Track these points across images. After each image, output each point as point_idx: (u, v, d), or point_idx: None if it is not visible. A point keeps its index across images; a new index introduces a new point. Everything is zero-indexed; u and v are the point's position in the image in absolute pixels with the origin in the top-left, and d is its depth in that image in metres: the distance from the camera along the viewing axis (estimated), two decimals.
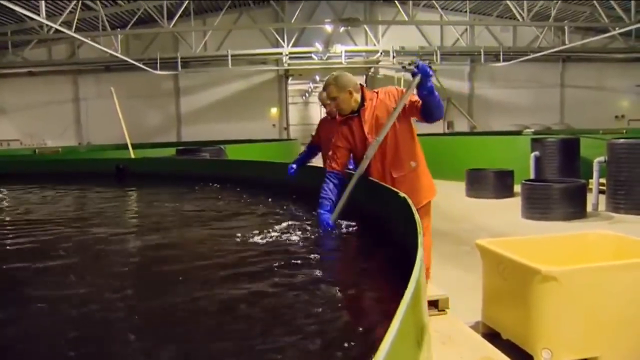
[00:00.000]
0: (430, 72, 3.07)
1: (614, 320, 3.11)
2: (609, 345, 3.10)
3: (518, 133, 16.37)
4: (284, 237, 3.01)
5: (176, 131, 22.07)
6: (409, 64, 19.23)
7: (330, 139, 3.57)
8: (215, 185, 5.47)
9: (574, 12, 18.69)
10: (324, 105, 4.34)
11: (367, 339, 1.48)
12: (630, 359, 3.16)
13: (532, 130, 17.08)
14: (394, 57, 19.74)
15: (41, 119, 21.02)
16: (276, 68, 21.57)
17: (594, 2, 16.20)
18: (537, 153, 10.53)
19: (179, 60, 19.52)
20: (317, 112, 26.72)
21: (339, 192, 3.25)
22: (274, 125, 22.18)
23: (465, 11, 19.52)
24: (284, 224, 3.30)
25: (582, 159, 10.44)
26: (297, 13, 19.37)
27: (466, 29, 21.41)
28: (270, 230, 3.15)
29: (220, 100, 21.78)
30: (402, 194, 2.32)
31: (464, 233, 7.30)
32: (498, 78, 21.76)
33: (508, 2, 16.58)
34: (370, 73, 21.92)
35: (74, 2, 14.60)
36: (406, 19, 17.81)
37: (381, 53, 20.14)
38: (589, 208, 8.44)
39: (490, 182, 10.49)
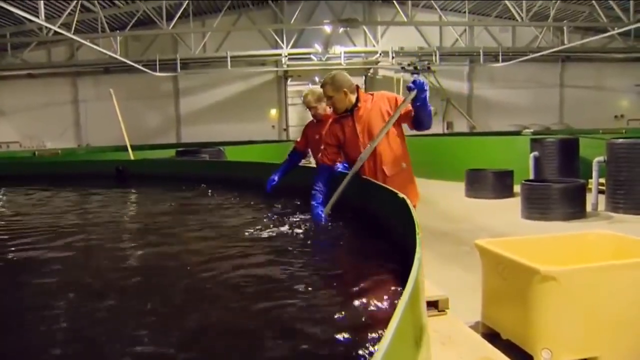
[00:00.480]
0: (426, 87, 3.18)
1: (613, 320, 3.11)
2: (608, 345, 3.10)
3: (517, 133, 16.37)
4: (277, 230, 3.13)
5: (175, 132, 22.07)
6: (408, 65, 19.28)
7: (318, 141, 3.72)
8: (203, 185, 5.54)
9: (573, 12, 18.71)
10: (309, 108, 4.38)
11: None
12: (630, 359, 3.16)
13: (532, 130, 17.08)
14: (393, 57, 19.75)
15: (40, 121, 21.01)
16: (275, 69, 21.58)
17: (593, 2, 16.21)
18: (536, 153, 10.53)
19: (178, 61, 19.52)
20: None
21: (329, 184, 3.44)
22: (273, 126, 22.18)
23: (464, 12, 19.53)
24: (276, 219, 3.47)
25: (581, 159, 10.44)
26: (296, 14, 19.38)
27: (465, 30, 21.43)
28: (267, 225, 3.27)
29: (219, 101, 21.78)
30: (401, 195, 2.32)
31: (463, 233, 7.30)
32: (497, 78, 21.76)
33: (507, 2, 16.58)
34: (369, 74, 21.93)
35: (73, 4, 14.59)
36: (405, 19, 17.81)
37: (380, 54, 20.15)
38: (589, 208, 8.45)
39: (489, 183, 10.49)
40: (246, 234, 3.13)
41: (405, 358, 0.93)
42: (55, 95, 21.37)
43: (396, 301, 1.77)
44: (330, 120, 3.71)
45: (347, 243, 2.88)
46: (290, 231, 3.15)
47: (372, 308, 1.74)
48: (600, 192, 8.77)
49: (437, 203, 10.16)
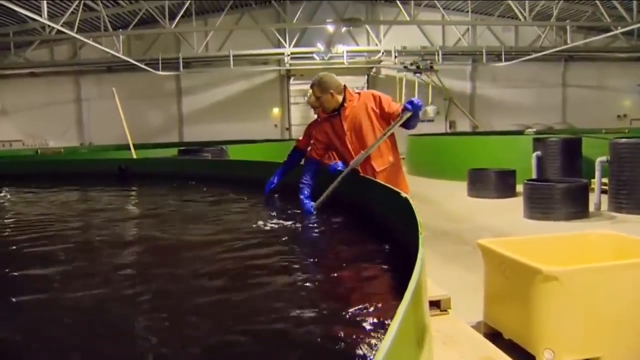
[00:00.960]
0: (421, 107, 3.33)
1: (616, 321, 3.11)
2: (611, 346, 3.09)
3: (520, 133, 16.35)
4: (274, 227, 3.22)
5: (178, 131, 22.08)
6: (411, 64, 19.26)
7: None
8: (192, 182, 5.67)
9: (576, 11, 18.67)
10: (313, 108, 4.40)
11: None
12: (632, 359, 3.15)
13: (534, 130, 17.05)
14: (395, 57, 19.73)
15: (43, 120, 21.04)
16: (278, 68, 21.57)
17: (596, 1, 16.18)
18: (539, 153, 10.53)
19: (181, 60, 19.52)
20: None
21: (316, 178, 3.68)
22: (275, 125, 22.18)
23: (467, 11, 19.50)
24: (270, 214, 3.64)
25: (584, 159, 10.43)
26: (298, 13, 19.38)
27: (468, 29, 21.39)
28: (262, 220, 3.37)
29: (222, 100, 21.79)
30: (404, 194, 2.33)
31: (465, 233, 7.30)
32: (500, 78, 21.73)
33: (510, 2, 16.55)
34: (372, 73, 21.91)
35: (76, 3, 14.60)
36: (408, 19, 17.79)
37: (383, 53, 20.13)
38: (591, 208, 8.43)
39: (492, 182, 10.48)
40: (245, 229, 3.14)
41: (407, 358, 0.93)
42: (57, 94, 21.40)
43: (397, 301, 1.77)
44: (322, 118, 3.89)
45: (347, 242, 2.88)
46: (290, 228, 3.17)
47: (373, 307, 1.74)
48: (603, 192, 8.76)
49: (439, 202, 10.16)
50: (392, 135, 3.69)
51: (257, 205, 4.25)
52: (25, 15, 12.26)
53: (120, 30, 17.79)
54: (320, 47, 19.19)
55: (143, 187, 6.11)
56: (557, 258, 3.49)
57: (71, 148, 17.75)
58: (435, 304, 3.12)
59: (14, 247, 2.95)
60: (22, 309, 1.92)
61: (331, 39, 18.56)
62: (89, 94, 21.37)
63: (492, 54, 20.43)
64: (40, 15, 12.28)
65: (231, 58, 19.42)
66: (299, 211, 3.55)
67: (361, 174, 3.57)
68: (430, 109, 19.12)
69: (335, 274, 2.33)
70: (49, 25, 13.89)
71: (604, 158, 8.67)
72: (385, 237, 2.57)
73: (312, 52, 19.85)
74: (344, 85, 3.74)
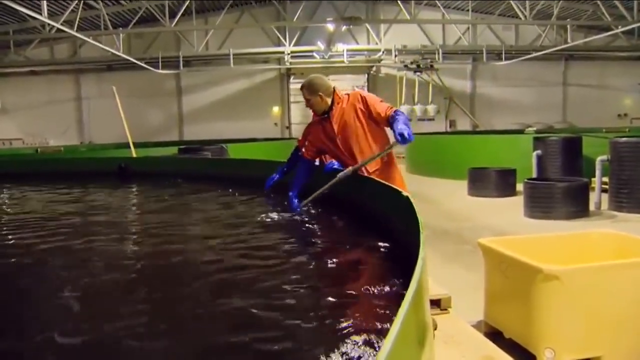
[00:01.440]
0: (411, 141, 3.29)
1: (616, 320, 3.11)
2: (611, 345, 3.09)
3: (520, 132, 16.34)
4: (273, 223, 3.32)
5: (178, 130, 22.06)
6: (411, 63, 19.24)
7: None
8: (179, 180, 5.75)
9: (576, 10, 18.64)
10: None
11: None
12: (633, 359, 3.15)
13: (535, 128, 17.04)
14: (396, 55, 19.71)
15: (43, 118, 21.01)
16: (278, 67, 21.55)
17: (597, 0, 16.15)
18: (539, 152, 10.53)
19: (181, 59, 19.50)
20: None
21: (307, 177, 3.82)
22: (275, 124, 22.16)
23: (467, 10, 19.47)
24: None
25: (584, 158, 10.43)
26: (298, 12, 19.35)
27: (468, 28, 21.35)
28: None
29: (222, 99, 21.76)
30: (405, 193, 2.32)
31: (466, 232, 7.30)
32: (500, 77, 21.70)
33: (510, 0, 16.54)
34: (372, 72, 21.89)
35: (76, 1, 14.58)
36: (408, 17, 17.77)
37: (383, 52, 20.11)
38: (592, 207, 8.44)
39: (492, 181, 10.48)
40: (244, 226, 3.15)
41: (409, 358, 0.92)
42: (58, 92, 21.38)
43: (398, 299, 1.77)
44: (314, 120, 3.95)
45: (347, 241, 2.88)
46: (291, 224, 3.18)
47: (373, 306, 1.74)
48: (604, 191, 8.76)
49: (440, 201, 10.16)
50: (385, 135, 3.73)
51: (251, 201, 4.28)
52: (26, 14, 12.25)
53: (121, 28, 17.76)
54: (321, 45, 19.18)
55: (142, 185, 6.12)
56: (557, 257, 3.49)
57: (71, 147, 17.72)
58: (435, 303, 3.13)
59: (14, 245, 2.95)
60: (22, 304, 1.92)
61: (331, 38, 18.55)
62: (89, 92, 21.35)
63: (492, 53, 20.40)
64: (41, 14, 12.27)
65: (231, 56, 19.40)
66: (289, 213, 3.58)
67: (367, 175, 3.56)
68: (430, 108, 19.10)
69: (335, 273, 2.32)
70: (49, 24, 13.86)
71: (604, 157, 8.67)
72: (386, 235, 2.57)
73: (312, 51, 19.83)
74: (334, 87, 3.75)
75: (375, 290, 1.87)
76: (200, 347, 1.55)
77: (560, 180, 8.51)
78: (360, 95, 3.70)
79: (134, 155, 8.85)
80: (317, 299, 1.94)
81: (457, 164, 12.40)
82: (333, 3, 20.87)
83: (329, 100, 3.69)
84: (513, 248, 3.44)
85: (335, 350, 1.42)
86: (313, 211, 3.62)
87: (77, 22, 14.35)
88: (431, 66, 19.49)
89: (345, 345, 1.45)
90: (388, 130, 3.64)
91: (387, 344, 0.78)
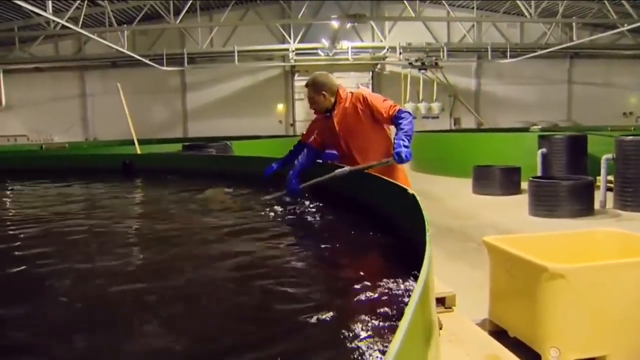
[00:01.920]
0: (408, 160, 3.29)
1: (622, 319, 3.09)
2: (617, 344, 3.08)
3: (525, 130, 16.30)
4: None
5: (182, 127, 22.07)
6: (416, 61, 19.19)
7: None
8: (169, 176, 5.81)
9: (581, 8, 18.55)
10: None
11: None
12: (638, 358, 3.14)
13: (539, 127, 17.00)
14: (400, 53, 19.67)
15: (48, 115, 21.05)
16: (282, 64, 21.53)
17: None
18: (544, 150, 10.50)
19: (185, 56, 19.51)
20: None
21: (310, 163, 3.88)
22: (280, 121, 22.15)
23: (472, 7, 19.42)
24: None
25: (589, 156, 10.39)
26: (303, 9, 19.31)
27: (473, 25, 21.30)
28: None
29: (226, 96, 21.76)
30: (410, 191, 2.31)
31: (470, 230, 7.29)
32: (505, 74, 21.63)
33: None
34: (376, 69, 21.84)
35: None
36: (413, 15, 17.73)
37: (387, 49, 20.06)
38: (597, 205, 8.41)
39: (497, 179, 10.47)
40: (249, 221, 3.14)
41: (416, 356, 0.92)
42: (62, 89, 21.41)
43: (403, 297, 1.76)
44: (318, 117, 3.97)
45: (352, 238, 2.87)
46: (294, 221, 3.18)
47: (380, 304, 1.73)
48: (609, 189, 8.73)
49: (444, 199, 10.15)
50: (387, 138, 3.72)
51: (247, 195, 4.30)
52: (30, 10, 12.25)
53: (125, 25, 17.77)
54: (325, 43, 19.15)
55: (147, 182, 6.12)
56: (562, 256, 3.48)
57: (76, 143, 17.76)
58: (440, 301, 3.12)
59: (16, 242, 2.96)
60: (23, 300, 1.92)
61: (336, 35, 18.52)
62: (93, 89, 21.38)
63: (497, 51, 20.34)
64: (45, 10, 12.28)
65: (236, 54, 19.39)
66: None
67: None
68: (435, 106, 19.06)
69: (337, 270, 2.32)
70: (53, 20, 13.86)
71: (609, 155, 8.64)
72: (390, 233, 2.56)
73: (316, 48, 19.80)
74: (338, 86, 3.73)
75: (380, 288, 1.86)
76: (203, 345, 1.55)
77: (565, 179, 8.48)
78: (362, 95, 3.65)
79: (138, 152, 8.86)
80: (320, 296, 1.93)
81: (462, 161, 12.38)
82: (337, 1, 20.85)
83: (332, 99, 3.69)
84: (518, 246, 3.43)
85: (342, 349, 1.42)
86: (316, 208, 3.61)
87: (81, 19, 14.36)
88: (436, 64, 19.44)
89: (352, 343, 1.44)
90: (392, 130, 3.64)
91: (395, 342, 0.77)
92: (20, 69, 20.45)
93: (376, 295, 1.80)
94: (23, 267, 2.40)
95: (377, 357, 1.36)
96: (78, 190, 5.67)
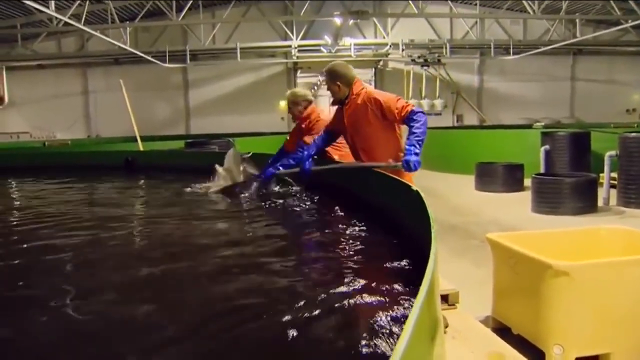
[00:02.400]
0: (416, 169, 3.34)
1: (626, 316, 3.09)
2: (621, 341, 3.07)
3: (528, 126, 16.27)
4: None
5: (185, 124, 22.08)
6: (419, 57, 19.16)
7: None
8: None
9: (585, 4, 18.49)
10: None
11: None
12: None
13: (543, 123, 16.97)
14: (403, 50, 19.63)
15: (50, 112, 21.07)
16: (285, 61, 21.50)
17: None
18: (547, 147, 10.47)
19: (188, 53, 19.49)
20: (327, 105, 26.69)
21: (325, 145, 3.94)
22: (282, 118, 22.12)
23: (475, 4, 19.37)
24: None
25: (592, 153, 10.37)
26: (306, 6, 19.27)
27: (476, 22, 21.24)
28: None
29: (229, 93, 21.76)
30: (415, 188, 2.30)
31: (473, 227, 7.28)
32: (508, 71, 21.59)
33: None
34: (379, 66, 21.81)
35: None
36: (416, 11, 17.70)
37: (390, 46, 20.02)
38: (600, 202, 8.39)
39: (499, 176, 10.45)
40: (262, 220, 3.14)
41: (422, 353, 0.91)
42: (65, 86, 21.42)
43: (407, 292, 1.75)
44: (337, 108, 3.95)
45: (355, 234, 2.87)
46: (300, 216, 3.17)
47: (384, 301, 1.73)
48: (612, 186, 8.71)
49: (447, 196, 10.13)
50: (395, 136, 3.69)
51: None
52: (33, 7, 12.25)
53: (127, 22, 17.75)
54: (328, 39, 19.11)
55: (148, 178, 6.13)
56: (566, 253, 3.47)
57: (78, 140, 17.78)
58: (443, 299, 3.11)
59: (21, 237, 2.96)
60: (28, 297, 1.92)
61: (339, 32, 18.47)
62: (96, 86, 21.39)
63: (500, 48, 20.29)
64: (48, 7, 12.28)
65: (238, 50, 19.37)
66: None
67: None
68: (437, 103, 19.04)
69: (339, 268, 2.31)
70: (56, 17, 13.88)
71: (613, 152, 8.62)
72: (394, 229, 2.56)
73: (319, 45, 19.77)
74: (356, 78, 3.70)
75: (384, 285, 1.86)
76: (205, 344, 1.55)
77: (568, 176, 8.46)
78: (375, 99, 3.59)
79: (141, 148, 8.86)
80: (322, 293, 1.92)
81: (464, 158, 12.38)
82: None
83: (347, 91, 3.67)
84: (521, 243, 3.42)
85: (346, 347, 1.41)
86: (320, 204, 3.61)
87: (84, 16, 14.36)
88: (438, 60, 19.39)
89: (357, 341, 1.44)
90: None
91: (402, 339, 0.77)
92: (23, 66, 20.46)
93: (380, 293, 1.80)
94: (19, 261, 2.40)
95: (382, 354, 1.35)
96: (79, 187, 5.67)
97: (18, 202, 4.71)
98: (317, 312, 1.66)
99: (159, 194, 5.02)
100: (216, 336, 1.59)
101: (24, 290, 2.05)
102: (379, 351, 1.37)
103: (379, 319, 1.56)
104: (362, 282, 1.93)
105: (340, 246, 2.66)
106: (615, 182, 8.65)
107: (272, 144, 14.18)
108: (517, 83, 21.71)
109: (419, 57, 19.16)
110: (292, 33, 19.96)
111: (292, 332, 1.53)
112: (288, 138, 4.79)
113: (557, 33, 19.56)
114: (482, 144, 13.39)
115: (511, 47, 19.82)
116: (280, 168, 3.98)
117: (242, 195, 4.06)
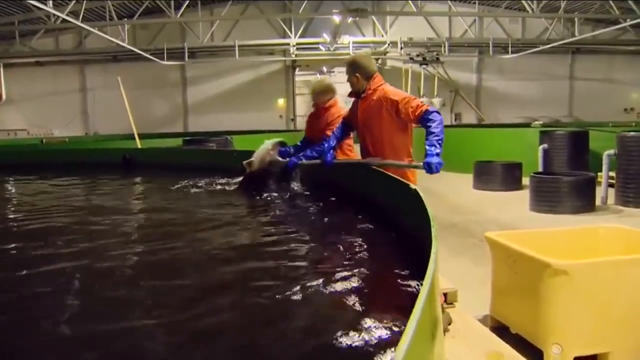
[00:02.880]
0: (437, 171, 3.34)
1: (625, 315, 3.08)
2: (620, 341, 3.07)
3: (526, 125, 16.27)
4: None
5: (183, 121, 22.09)
6: (417, 56, 19.16)
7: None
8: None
9: (584, 3, 18.51)
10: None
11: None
12: None
13: (541, 122, 16.97)
14: (401, 48, 19.64)
15: (48, 109, 21.06)
16: (283, 59, 21.51)
17: None
18: (545, 146, 10.47)
19: (186, 50, 19.50)
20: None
21: (345, 135, 4.00)
22: (280, 116, 22.15)
23: (474, 2, 19.40)
24: None
25: (591, 152, 10.37)
26: (304, 4, 19.28)
27: (475, 20, 21.26)
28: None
29: (227, 90, 21.76)
30: (413, 186, 2.30)
31: (471, 225, 7.28)
32: (506, 70, 21.62)
33: None
34: (378, 64, 21.78)
35: None
36: (414, 10, 17.72)
37: (389, 44, 20.04)
38: (598, 201, 8.39)
39: (498, 175, 10.45)
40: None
41: (423, 352, 0.91)
42: (63, 83, 21.41)
43: (408, 291, 1.75)
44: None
45: (357, 232, 2.86)
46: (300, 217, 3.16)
47: (385, 300, 1.72)
48: (610, 185, 8.71)
49: (445, 195, 10.12)
50: (407, 136, 3.67)
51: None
52: (31, 4, 12.23)
53: (126, 19, 17.76)
54: (326, 37, 19.11)
55: (146, 176, 6.11)
56: (564, 252, 3.46)
57: (76, 137, 17.75)
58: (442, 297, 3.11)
59: (13, 239, 2.95)
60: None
61: (337, 30, 18.48)
62: (94, 83, 21.38)
63: (498, 46, 20.32)
64: (46, 4, 12.26)
65: (236, 48, 19.37)
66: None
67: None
68: (436, 101, 19.04)
69: (341, 266, 2.30)
70: (54, 14, 13.85)
71: (611, 151, 8.62)
72: (394, 228, 2.55)
73: (317, 43, 19.78)
74: (376, 74, 3.67)
75: (385, 283, 1.85)
76: (208, 343, 1.54)
77: (567, 175, 8.46)
78: (391, 99, 3.52)
79: (139, 146, 8.85)
80: (324, 292, 1.92)
81: (463, 157, 12.35)
82: None
83: (365, 84, 3.64)
84: (520, 242, 3.42)
85: (349, 346, 1.41)
86: (321, 203, 3.60)
87: (82, 13, 14.35)
88: (437, 59, 19.41)
89: (358, 339, 1.43)
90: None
91: (405, 338, 0.77)
92: (21, 63, 20.45)
93: (381, 291, 1.79)
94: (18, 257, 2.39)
95: (382, 352, 1.35)
96: (77, 184, 5.65)
97: (15, 200, 4.70)
98: (317, 310, 1.66)
99: (156, 191, 5.01)
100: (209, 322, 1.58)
101: (24, 285, 2.04)
102: (379, 349, 1.37)
103: (379, 317, 1.56)
104: (362, 281, 1.92)
105: (340, 244, 2.66)
106: (614, 181, 8.65)
107: None
108: (515, 82, 21.74)
109: (417, 56, 19.17)
110: (291, 31, 19.95)
111: (293, 333, 1.53)
112: (306, 126, 4.95)
113: (556, 32, 19.58)
114: (480, 142, 13.38)
115: (510, 45, 19.85)
116: (303, 159, 4.01)
117: (268, 182, 4.12)
